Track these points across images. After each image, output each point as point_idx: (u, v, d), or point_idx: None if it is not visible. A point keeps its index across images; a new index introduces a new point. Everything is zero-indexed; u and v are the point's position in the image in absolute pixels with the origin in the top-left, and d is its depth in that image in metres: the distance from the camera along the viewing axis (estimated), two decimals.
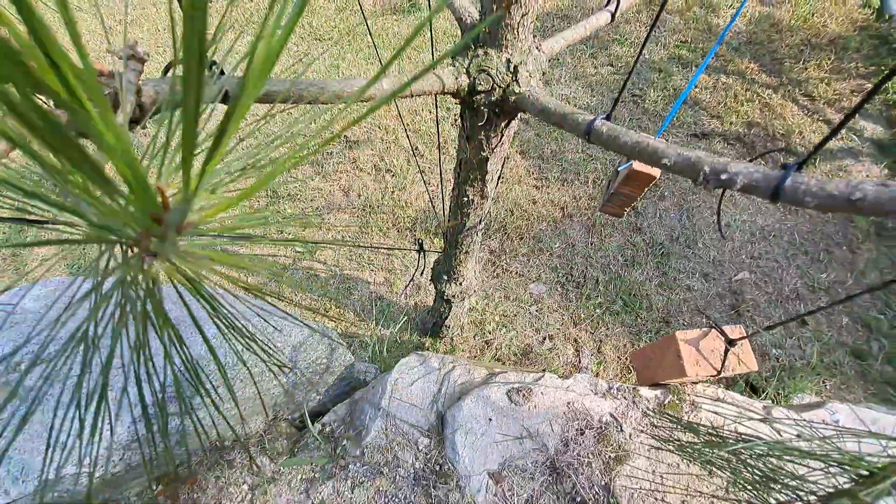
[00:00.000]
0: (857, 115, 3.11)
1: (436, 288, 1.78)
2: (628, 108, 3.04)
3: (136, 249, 0.26)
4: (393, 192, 2.69)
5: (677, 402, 1.11)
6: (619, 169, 1.62)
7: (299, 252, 2.60)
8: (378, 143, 2.89)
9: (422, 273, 2.17)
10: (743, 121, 2.97)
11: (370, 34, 1.37)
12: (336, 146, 2.91)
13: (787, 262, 2.55)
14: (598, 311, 2.39)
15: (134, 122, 0.53)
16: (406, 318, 2.31)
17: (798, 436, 0.42)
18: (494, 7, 0.73)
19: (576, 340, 2.30)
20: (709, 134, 2.92)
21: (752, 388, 2.21)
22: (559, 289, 2.44)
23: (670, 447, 0.83)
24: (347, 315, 2.36)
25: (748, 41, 3.35)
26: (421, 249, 1.70)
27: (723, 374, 1.05)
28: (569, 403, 1.11)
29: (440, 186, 2.68)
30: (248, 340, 0.38)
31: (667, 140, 2.74)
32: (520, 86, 0.81)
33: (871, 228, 2.66)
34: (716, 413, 1.10)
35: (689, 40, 3.33)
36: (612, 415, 1.09)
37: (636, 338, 2.31)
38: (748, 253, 2.57)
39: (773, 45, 3.32)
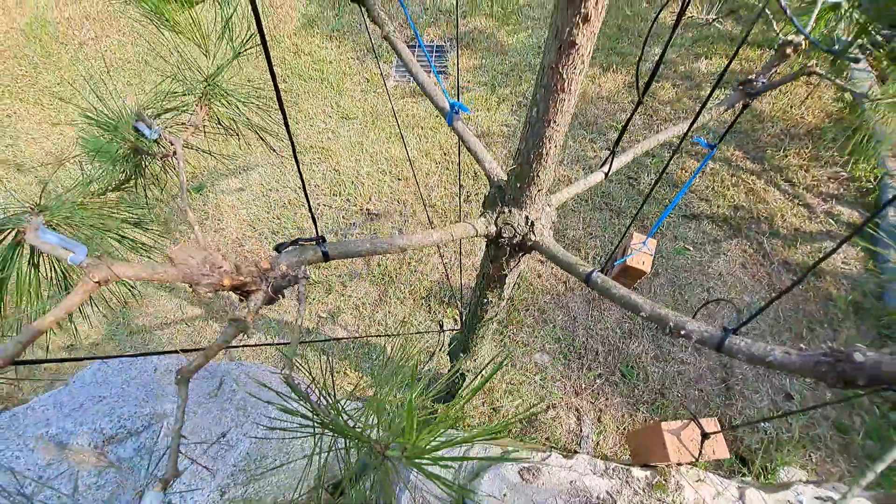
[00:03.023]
0: (834, 200, 3.41)
1: (452, 363, 1.98)
2: (624, 190, 3.34)
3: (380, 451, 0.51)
4: (410, 263, 2.95)
5: (664, 482, 1.30)
6: (615, 263, 1.88)
7: (322, 317, 2.82)
8: (397, 217, 3.17)
9: (441, 349, 2.38)
10: (730, 204, 3.26)
11: (395, 117, 1.65)
12: (359, 217, 3.20)
13: (773, 338, 2.76)
14: (598, 381, 2.57)
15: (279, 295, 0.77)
16: (421, 385, 2.50)
17: None
18: (518, 185, 1.00)
19: (577, 410, 2.47)
20: (698, 215, 3.20)
21: (742, 460, 2.36)
22: (562, 359, 2.64)
23: None
24: (365, 378, 2.55)
25: (733, 130, 3.70)
26: (441, 329, 1.92)
27: (700, 460, 1.24)
28: (571, 482, 1.30)
29: (458, 260, 2.93)
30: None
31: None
32: (535, 235, 1.06)
33: (849, 308, 2.88)
34: (696, 492, 1.28)
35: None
36: (608, 492, 1.28)
37: (634, 409, 2.48)
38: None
39: (755, 134, 3.67)
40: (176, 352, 1.11)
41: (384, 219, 3.18)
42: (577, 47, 0.73)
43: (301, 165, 3.35)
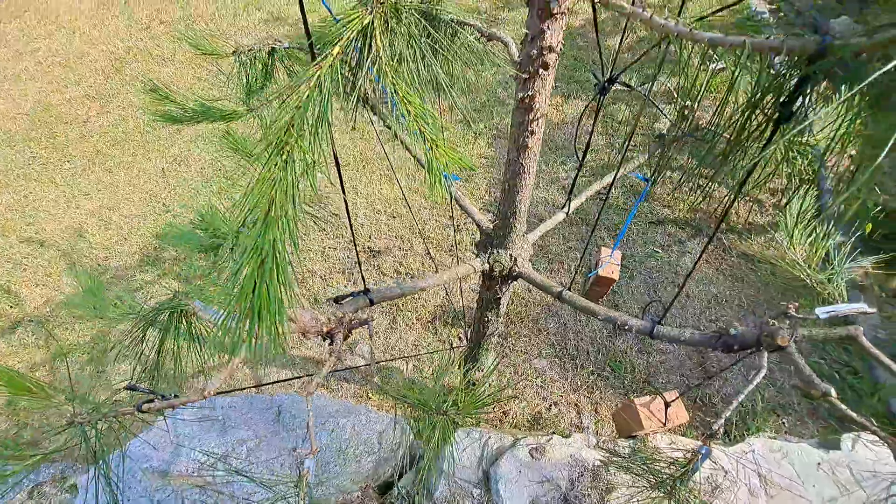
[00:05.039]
0: (780, 194, 3.85)
1: (463, 374, 2.32)
2: (596, 204, 3.74)
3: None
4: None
5: (643, 447, 1.64)
6: (589, 275, 2.27)
7: (344, 349, 3.14)
8: (397, 251, 3.53)
9: (453, 364, 2.71)
10: (689, 207, 3.68)
11: (389, 159, 2.01)
12: (362, 256, 3.55)
13: (740, 322, 3.13)
14: (591, 377, 2.92)
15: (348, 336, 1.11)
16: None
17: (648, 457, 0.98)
18: (501, 233, 1.37)
19: (576, 404, 2.81)
20: (663, 221, 3.61)
21: (725, 432, 2.70)
22: (558, 362, 2.99)
23: (613, 467, 1.36)
24: (388, 400, 2.86)
25: (685, 141, 4.15)
26: (451, 347, 2.27)
27: (668, 426, 1.59)
28: (571, 455, 1.64)
29: (459, 285, 3.29)
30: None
31: (630, 229, 3.41)
32: (518, 267, 1.42)
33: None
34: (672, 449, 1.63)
35: (638, 144, 4.12)
36: (600, 460, 1.62)
37: (625, 398, 2.82)
38: (706, 317, 3.16)
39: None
40: (299, 377, 1.45)
41: (385, 254, 3.53)
42: (529, 148, 1.10)
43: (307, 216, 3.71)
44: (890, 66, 0.45)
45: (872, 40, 0.48)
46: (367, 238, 3.66)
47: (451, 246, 3.53)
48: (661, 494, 0.95)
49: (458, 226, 3.67)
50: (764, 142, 0.74)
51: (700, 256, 1.02)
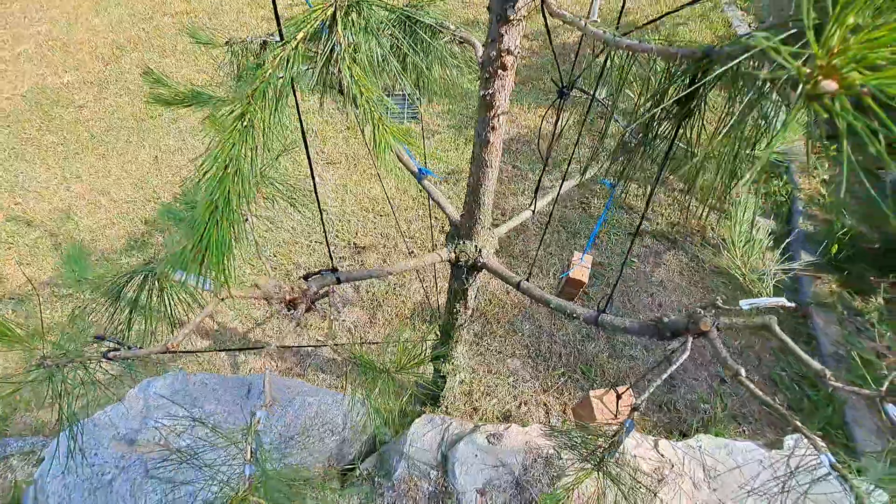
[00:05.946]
0: (755, 215, 3.98)
1: (434, 367, 2.39)
2: (578, 214, 3.85)
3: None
4: (394, 288, 3.36)
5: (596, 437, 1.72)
6: (561, 277, 2.36)
7: (319, 339, 3.20)
8: (381, 249, 3.60)
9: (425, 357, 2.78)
10: (667, 221, 3.79)
11: (375, 161, 2.08)
12: (347, 251, 3.62)
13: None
14: (562, 379, 3.00)
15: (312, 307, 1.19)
16: (410, 392, 2.88)
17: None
18: (467, 225, 1.45)
19: (545, 404, 2.89)
20: (641, 233, 3.72)
21: (684, 435, 2.79)
22: (530, 362, 3.06)
23: (560, 449, 1.44)
24: (359, 389, 2.92)
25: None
26: (423, 339, 2.34)
27: (619, 417, 1.67)
28: (527, 443, 1.71)
29: (435, 283, 3.36)
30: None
31: (608, 238, 3.51)
32: (483, 258, 1.51)
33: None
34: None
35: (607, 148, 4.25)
36: (554, 448, 1.69)
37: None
38: None
39: (685, 160, 4.25)
40: (265, 346, 1.51)
41: (370, 251, 3.60)
42: (490, 143, 1.19)
43: (293, 209, 3.77)
44: (725, 68, 0.54)
45: (733, 49, 0.58)
46: (354, 234, 3.73)
47: (435, 245, 3.61)
48: (591, 466, 1.03)
49: (443, 227, 3.76)
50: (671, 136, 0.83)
51: (631, 246, 1.10)
